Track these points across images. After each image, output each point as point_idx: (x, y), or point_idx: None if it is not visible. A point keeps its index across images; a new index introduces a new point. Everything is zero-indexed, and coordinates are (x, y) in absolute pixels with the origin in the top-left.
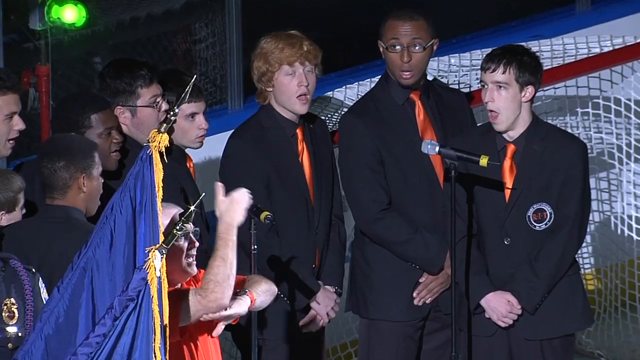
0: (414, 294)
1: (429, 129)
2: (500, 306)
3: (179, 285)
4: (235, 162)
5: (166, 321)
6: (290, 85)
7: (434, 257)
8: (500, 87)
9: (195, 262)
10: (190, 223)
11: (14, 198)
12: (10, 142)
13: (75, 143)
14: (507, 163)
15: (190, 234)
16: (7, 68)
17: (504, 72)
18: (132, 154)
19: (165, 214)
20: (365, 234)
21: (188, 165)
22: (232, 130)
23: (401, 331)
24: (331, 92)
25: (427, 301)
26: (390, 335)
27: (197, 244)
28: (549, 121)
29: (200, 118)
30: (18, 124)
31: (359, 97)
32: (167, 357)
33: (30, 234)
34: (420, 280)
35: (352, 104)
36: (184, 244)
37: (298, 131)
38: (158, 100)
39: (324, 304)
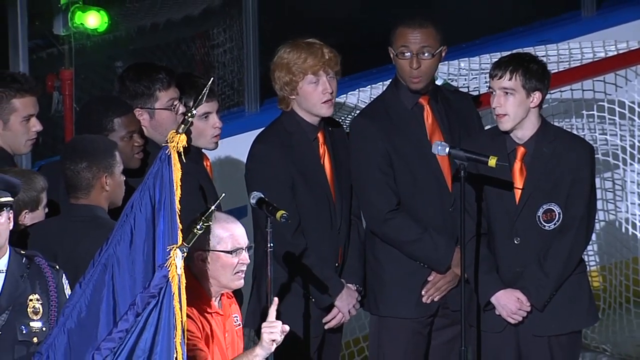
0: (422, 292)
1: (437, 132)
2: (510, 303)
3: (216, 299)
4: (261, 166)
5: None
6: (315, 93)
7: (441, 256)
8: (507, 93)
9: (243, 277)
10: (248, 241)
11: (37, 197)
12: (29, 141)
13: (95, 144)
14: (517, 165)
15: (244, 250)
16: (32, 72)
17: (510, 79)
18: (152, 155)
19: (225, 228)
20: (375, 234)
21: (205, 164)
22: (251, 132)
23: (410, 327)
24: (345, 95)
25: (435, 299)
26: (400, 331)
27: (248, 260)
28: (556, 123)
29: (213, 117)
30: (35, 125)
31: (372, 100)
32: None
33: (57, 232)
34: (429, 279)
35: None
36: (235, 258)
37: (319, 135)
38: (175, 103)
39: (347, 302)
